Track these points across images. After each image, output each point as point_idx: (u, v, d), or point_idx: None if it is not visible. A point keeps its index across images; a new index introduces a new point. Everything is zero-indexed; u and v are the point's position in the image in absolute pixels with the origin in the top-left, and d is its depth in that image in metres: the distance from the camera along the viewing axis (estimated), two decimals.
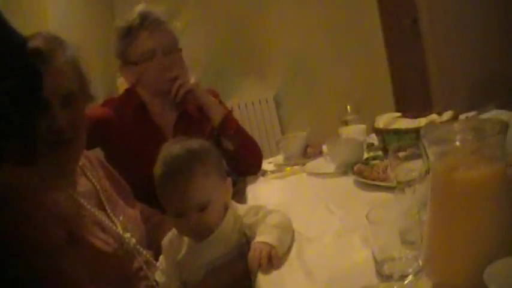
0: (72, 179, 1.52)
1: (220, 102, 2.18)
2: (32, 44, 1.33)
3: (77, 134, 1.45)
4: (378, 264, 1.07)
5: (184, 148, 1.41)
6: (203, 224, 1.39)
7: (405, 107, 2.28)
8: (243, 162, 2.05)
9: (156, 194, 1.51)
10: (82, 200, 1.49)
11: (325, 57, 4.43)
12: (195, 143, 1.44)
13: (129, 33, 2.01)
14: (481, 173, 0.90)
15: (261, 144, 3.33)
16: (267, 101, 4.60)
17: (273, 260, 1.30)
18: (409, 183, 1.33)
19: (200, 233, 1.42)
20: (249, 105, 4.53)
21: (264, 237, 1.36)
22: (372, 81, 4.39)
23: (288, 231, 1.44)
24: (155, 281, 1.54)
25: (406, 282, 1.03)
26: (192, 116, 2.11)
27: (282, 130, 4.52)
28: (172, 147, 1.43)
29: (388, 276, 1.05)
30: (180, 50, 2.09)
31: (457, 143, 0.93)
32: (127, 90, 2.13)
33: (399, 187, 1.34)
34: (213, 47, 4.49)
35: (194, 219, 1.38)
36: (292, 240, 1.41)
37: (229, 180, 1.49)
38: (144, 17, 2.01)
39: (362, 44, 4.40)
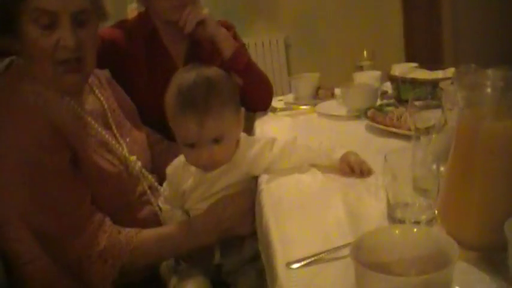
0: (80, 96, 1.49)
1: (235, 35, 2.12)
2: None
3: (86, 54, 1.39)
4: (391, 208, 1.06)
5: (201, 76, 1.36)
6: (216, 156, 1.36)
7: (414, 61, 2.23)
8: (253, 97, 2.00)
9: (162, 120, 1.49)
10: (89, 119, 1.46)
11: (339, 2, 4.36)
12: (210, 71, 1.39)
13: None
14: (508, 125, 0.87)
15: None
16: (277, 43, 4.54)
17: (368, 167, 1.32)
18: (427, 130, 1.31)
19: (211, 165, 1.39)
20: (259, 45, 4.47)
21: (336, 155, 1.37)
22: (384, 32, 4.34)
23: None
24: (158, 206, 1.53)
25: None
26: (203, 47, 2.05)
27: (289, 73, 4.48)
28: (188, 75, 1.37)
29: (401, 220, 1.04)
30: None
31: (488, 90, 0.89)
32: (140, 14, 2.07)
33: (416, 134, 1.32)
34: None
35: (207, 151, 1.35)
36: None
37: (242, 110, 1.45)
38: None
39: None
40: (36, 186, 1.29)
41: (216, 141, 1.35)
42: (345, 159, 1.35)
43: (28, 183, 1.29)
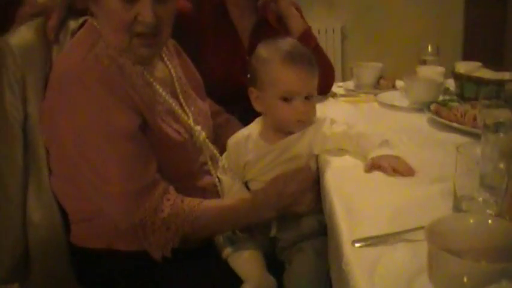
0: (151, 64, 1.51)
1: (302, 17, 2.14)
2: None
3: (163, 29, 1.42)
4: (457, 199, 1.07)
5: (294, 41, 1.55)
6: (307, 112, 1.46)
7: (472, 59, 2.22)
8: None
9: (224, 92, 1.64)
10: (158, 87, 1.49)
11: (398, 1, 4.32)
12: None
13: None
14: None
15: None
16: (333, 31, 4.52)
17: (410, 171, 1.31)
18: (496, 128, 1.31)
19: (301, 122, 1.47)
20: (315, 33, 4.44)
21: (383, 150, 1.36)
22: (444, 27, 4.28)
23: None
24: (218, 177, 1.56)
25: None
26: (269, 25, 2.08)
27: (342, 62, 4.46)
28: (282, 40, 1.53)
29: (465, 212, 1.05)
30: None
31: None
32: None
33: (484, 131, 1.32)
34: None
35: (302, 103, 1.44)
36: None
37: None
38: None
39: None
40: (108, 146, 1.33)
41: (308, 97, 1.45)
42: (375, 163, 1.34)
43: (102, 141, 1.32)
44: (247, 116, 1.60)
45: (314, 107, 1.49)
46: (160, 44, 1.47)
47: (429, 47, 2.20)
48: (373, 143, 1.38)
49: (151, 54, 1.47)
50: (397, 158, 1.32)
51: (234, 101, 1.78)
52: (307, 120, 1.47)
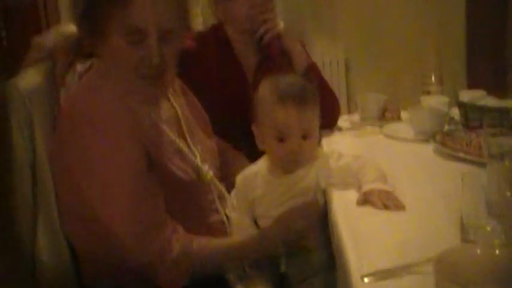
0: (157, 104, 1.53)
1: (306, 52, 2.16)
2: None
3: (168, 68, 1.44)
4: (465, 229, 1.07)
5: (295, 78, 1.55)
6: (302, 151, 1.45)
7: (476, 87, 2.24)
8: (322, 114, 2.04)
9: (230, 129, 1.68)
10: (164, 127, 1.50)
11: (400, 27, 4.35)
12: (299, 77, 1.56)
13: None
14: None
15: None
16: (337, 64, 4.55)
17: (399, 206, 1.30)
18: (501, 156, 1.31)
19: (295, 162, 1.46)
20: (319, 66, 4.48)
21: (376, 184, 1.37)
22: (446, 58, 4.30)
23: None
24: (226, 215, 1.57)
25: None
26: (274, 60, 2.10)
27: (348, 95, 4.49)
28: (284, 77, 1.53)
29: (473, 242, 1.05)
30: None
31: None
32: (214, 26, 2.13)
33: (490, 160, 1.33)
34: (287, 4, 4.44)
35: (297, 144, 1.44)
36: None
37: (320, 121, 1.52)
38: None
39: (441, 17, 4.29)
40: (117, 184, 1.34)
41: (305, 136, 1.44)
42: (366, 198, 1.34)
43: (110, 179, 1.34)
44: (254, 152, 1.60)
45: (312, 146, 1.49)
46: (166, 83, 1.49)
47: (432, 78, 2.22)
48: (369, 177, 1.40)
49: (158, 94, 1.50)
50: (388, 193, 1.33)
51: (241, 137, 1.79)
52: (305, 160, 1.47)
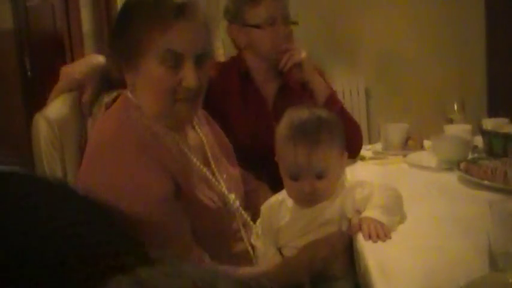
0: (184, 132, 1.55)
1: (326, 81, 2.18)
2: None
3: (202, 91, 1.48)
4: (493, 256, 1.06)
5: (314, 114, 1.45)
6: (316, 191, 1.42)
7: (498, 114, 2.25)
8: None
9: (254, 158, 1.65)
10: (191, 154, 1.52)
11: (420, 54, 4.35)
12: (323, 112, 1.48)
13: None
14: None
15: None
16: (358, 92, 4.57)
17: (382, 238, 1.31)
18: None
19: (310, 200, 1.44)
20: (339, 94, 4.48)
21: (374, 212, 1.37)
22: (466, 85, 4.29)
23: (398, 206, 1.44)
24: (251, 244, 1.57)
25: None
26: (293, 89, 2.13)
27: (368, 123, 4.49)
28: (301, 112, 1.46)
29: (502, 270, 1.04)
30: (297, 22, 2.12)
31: None
32: (234, 57, 2.17)
33: None
34: (307, 31, 4.48)
35: (310, 184, 1.41)
36: (402, 216, 1.43)
37: (345, 154, 1.50)
38: None
39: (461, 45, 4.30)
40: (143, 210, 1.34)
41: (319, 176, 1.40)
42: (360, 222, 1.36)
43: (136, 206, 1.33)
44: (278, 181, 1.60)
45: (329, 185, 1.43)
46: (198, 106, 1.53)
47: (455, 105, 2.22)
48: (372, 203, 1.40)
49: (191, 117, 1.54)
50: (381, 224, 1.33)
51: (264, 166, 1.80)
52: (316, 200, 1.44)
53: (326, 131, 1.42)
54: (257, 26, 2.02)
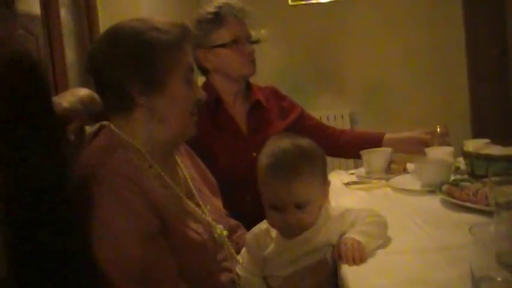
0: (168, 165, 1.55)
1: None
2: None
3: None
4: (475, 281, 1.06)
5: (294, 144, 1.45)
6: (298, 221, 1.42)
7: (481, 136, 2.28)
8: None
9: (233, 185, 1.67)
10: (175, 188, 1.51)
11: (404, 82, 4.43)
12: (304, 141, 1.47)
13: (217, 18, 2.15)
14: None
15: (334, 160, 3.37)
16: (342, 117, 4.61)
17: (357, 257, 1.32)
18: (508, 205, 1.31)
19: (292, 230, 1.44)
20: (324, 119, 4.55)
21: (354, 235, 1.38)
22: (451, 110, 4.34)
23: (382, 231, 1.45)
24: (236, 274, 1.56)
25: None
26: (264, 107, 2.24)
27: None
28: (282, 141, 1.46)
29: None
30: (259, 41, 2.28)
31: None
32: (203, 85, 2.22)
33: (497, 209, 1.33)
34: (294, 59, 4.53)
35: (291, 215, 1.40)
36: (385, 240, 1.44)
37: (328, 183, 1.51)
38: (231, 5, 2.17)
39: (444, 71, 4.36)
40: (129, 247, 1.33)
41: (300, 207, 1.40)
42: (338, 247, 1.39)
43: (122, 243, 1.33)
44: (262, 208, 1.59)
45: (311, 213, 1.43)
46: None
47: (438, 129, 2.24)
48: (355, 229, 1.42)
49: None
50: (358, 242, 1.35)
51: (247, 192, 1.87)
52: (298, 230, 1.43)
53: (306, 162, 1.42)
54: (223, 46, 2.13)
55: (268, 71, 2.36)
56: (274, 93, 2.37)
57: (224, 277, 1.54)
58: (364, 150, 2.21)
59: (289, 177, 1.39)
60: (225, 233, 1.56)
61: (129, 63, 1.42)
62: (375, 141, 2.32)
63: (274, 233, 1.48)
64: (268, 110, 2.24)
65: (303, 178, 1.40)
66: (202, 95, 1.53)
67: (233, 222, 1.78)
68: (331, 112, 4.55)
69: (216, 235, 1.54)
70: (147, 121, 1.46)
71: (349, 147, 2.38)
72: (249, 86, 2.26)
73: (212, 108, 2.13)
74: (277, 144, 1.46)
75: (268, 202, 1.44)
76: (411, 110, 4.37)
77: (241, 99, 2.21)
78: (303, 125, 2.35)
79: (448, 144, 2.18)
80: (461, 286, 1.11)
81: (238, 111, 2.20)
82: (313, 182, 1.42)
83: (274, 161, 1.42)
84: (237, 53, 2.14)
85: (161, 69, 1.44)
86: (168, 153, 1.55)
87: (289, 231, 1.44)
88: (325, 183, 1.48)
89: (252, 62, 2.17)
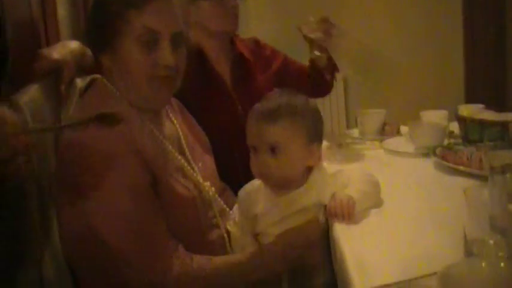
0: (159, 121, 1.54)
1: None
2: None
3: (178, 73, 1.48)
4: (468, 243, 1.06)
5: (285, 97, 1.46)
6: (273, 168, 1.41)
7: (474, 102, 2.28)
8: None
9: (220, 140, 1.71)
10: (167, 144, 1.50)
11: (399, 48, 4.37)
12: (298, 98, 1.47)
13: None
14: None
15: (327, 122, 3.36)
16: (335, 81, 4.57)
17: (346, 214, 1.33)
18: (502, 169, 1.31)
19: (269, 178, 1.44)
20: None
21: (347, 190, 1.38)
22: (445, 77, 4.32)
23: (375, 192, 1.46)
24: (226, 231, 1.56)
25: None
26: (247, 59, 2.18)
27: (347, 111, 4.50)
28: (277, 94, 1.48)
29: (477, 256, 1.04)
30: None
31: None
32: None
33: (491, 173, 1.32)
34: (287, 24, 4.45)
35: (264, 156, 1.41)
36: (378, 200, 1.44)
37: (316, 145, 1.48)
38: None
39: (439, 37, 4.32)
40: (120, 201, 1.33)
41: (274, 150, 1.41)
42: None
43: (112, 201, 1.33)
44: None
45: (287, 164, 1.42)
46: (175, 88, 1.51)
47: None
48: (348, 188, 1.43)
49: (168, 98, 1.53)
50: (349, 196, 1.36)
51: (236, 148, 1.87)
52: (268, 177, 1.45)
53: (289, 111, 1.43)
54: None
55: (261, 37, 2.32)
56: (257, 44, 2.32)
57: (214, 234, 1.53)
58: (359, 112, 2.20)
59: (268, 119, 1.41)
60: (212, 190, 1.55)
61: (90, 20, 1.46)
62: None
63: (265, 190, 1.48)
64: (252, 62, 2.20)
65: (281, 123, 1.41)
66: (165, 60, 1.42)
67: (220, 183, 1.77)
68: None
69: (204, 192, 1.53)
70: (113, 81, 1.46)
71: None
72: (232, 41, 2.20)
73: (194, 61, 2.06)
74: (271, 96, 1.48)
75: (248, 143, 1.45)
76: (405, 76, 4.33)
77: (224, 54, 2.15)
78: (288, 70, 2.32)
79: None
80: (454, 248, 1.10)
81: (222, 65, 2.14)
82: (292, 131, 1.42)
83: (260, 106, 1.45)
84: (218, 6, 2.05)
85: (110, 25, 1.41)
86: (156, 109, 1.53)
87: (267, 178, 1.45)
88: (313, 143, 1.46)
89: (235, 16, 2.08)
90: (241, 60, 2.16)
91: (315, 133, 1.47)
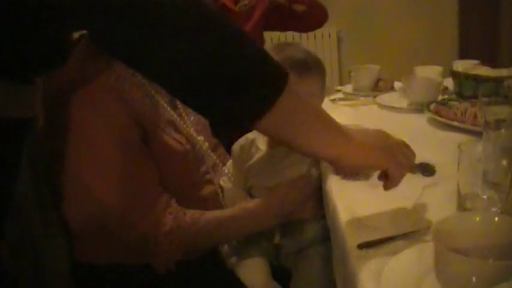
0: None
1: None
2: None
3: None
4: (461, 198, 1.06)
5: (309, 51, 1.47)
6: None
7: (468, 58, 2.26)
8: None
9: None
10: (158, 97, 1.48)
11: (393, 2, 4.32)
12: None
13: None
14: None
15: None
16: (329, 36, 4.53)
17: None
18: (496, 125, 1.30)
19: None
20: (311, 38, 4.47)
21: None
22: (438, 33, 4.28)
23: None
24: (220, 186, 1.55)
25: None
26: (230, 9, 2.18)
27: (340, 67, 4.48)
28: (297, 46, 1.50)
29: (470, 210, 1.04)
30: None
31: None
32: None
33: (485, 128, 1.32)
34: None
35: None
36: None
37: (322, 98, 1.49)
38: None
39: None
40: (111, 156, 1.31)
41: None
42: None
43: (102, 155, 1.31)
44: None
45: None
46: None
47: None
48: None
49: None
50: None
51: None
52: None
53: (317, 66, 1.44)
54: None
55: None
56: None
57: (207, 190, 1.52)
58: (352, 67, 2.18)
59: (302, 70, 1.38)
60: (205, 144, 1.53)
61: None
62: None
63: (260, 143, 1.47)
64: (237, 12, 2.19)
65: (312, 75, 1.41)
66: None
67: (213, 139, 1.75)
68: (318, 31, 4.46)
69: (198, 147, 1.51)
70: None
71: None
72: None
73: None
74: (294, 46, 1.47)
75: None
76: (399, 31, 4.30)
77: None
78: (273, 13, 2.36)
79: None
80: (446, 202, 1.11)
81: None
82: (316, 85, 1.43)
83: (289, 54, 1.40)
84: None
85: None
86: None
87: None
88: (321, 96, 1.48)
89: None
90: (224, 11, 2.15)
91: (324, 87, 1.48)
